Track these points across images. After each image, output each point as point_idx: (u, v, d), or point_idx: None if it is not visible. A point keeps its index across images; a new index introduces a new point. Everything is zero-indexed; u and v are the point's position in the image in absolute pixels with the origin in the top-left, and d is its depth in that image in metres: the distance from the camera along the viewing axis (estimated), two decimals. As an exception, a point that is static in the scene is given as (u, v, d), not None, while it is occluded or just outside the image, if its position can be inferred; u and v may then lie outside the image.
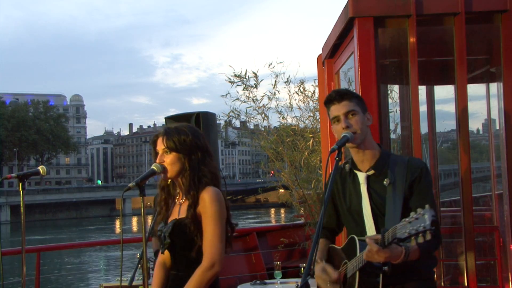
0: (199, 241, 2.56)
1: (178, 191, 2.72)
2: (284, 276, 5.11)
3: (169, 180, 2.69)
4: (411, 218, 2.05)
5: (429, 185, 2.49)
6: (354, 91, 3.07)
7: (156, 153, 2.64)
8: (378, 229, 2.47)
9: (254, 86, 8.30)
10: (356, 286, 2.37)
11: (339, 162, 2.41)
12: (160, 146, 2.62)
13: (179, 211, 2.65)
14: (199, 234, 2.56)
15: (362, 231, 2.52)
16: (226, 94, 8.39)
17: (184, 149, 2.60)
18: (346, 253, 2.51)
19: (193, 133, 2.65)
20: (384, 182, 2.47)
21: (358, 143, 2.50)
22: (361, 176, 2.55)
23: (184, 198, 2.65)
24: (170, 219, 2.67)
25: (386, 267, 2.30)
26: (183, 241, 2.59)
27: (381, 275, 2.34)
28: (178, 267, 2.65)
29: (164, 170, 2.59)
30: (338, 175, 2.63)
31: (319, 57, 4.89)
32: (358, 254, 2.37)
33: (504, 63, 3.69)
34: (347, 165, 2.61)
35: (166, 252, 2.69)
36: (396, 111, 5.04)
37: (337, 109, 2.52)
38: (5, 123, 71.89)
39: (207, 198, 2.55)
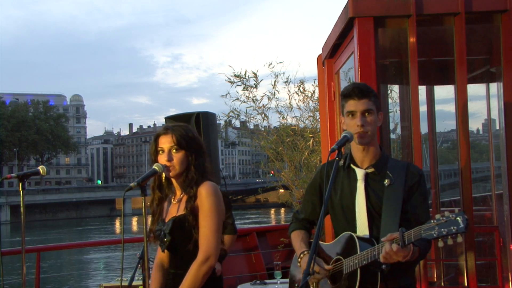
0: (196, 234, 2.56)
1: (173, 190, 2.71)
2: (284, 276, 5.09)
3: (171, 178, 2.67)
4: (439, 220, 2.11)
5: (426, 192, 2.54)
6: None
7: (157, 150, 2.61)
8: (372, 229, 2.48)
9: (254, 86, 8.31)
10: (358, 282, 2.39)
11: (339, 162, 2.42)
12: (167, 143, 2.58)
13: (178, 209, 2.64)
14: (196, 226, 2.56)
15: (352, 228, 2.52)
16: (226, 94, 8.38)
17: (192, 147, 2.60)
18: (340, 250, 2.51)
19: (194, 132, 2.69)
20: (385, 182, 2.48)
21: (366, 143, 2.50)
22: (360, 173, 2.54)
23: (183, 194, 2.64)
24: (168, 218, 2.66)
25: (384, 266, 2.32)
26: (182, 236, 2.58)
27: (379, 273, 2.37)
28: (177, 264, 2.64)
29: (166, 169, 2.57)
30: (330, 169, 2.59)
31: (319, 57, 4.89)
32: (358, 252, 2.39)
33: (504, 63, 3.69)
34: (341, 160, 2.58)
35: (165, 252, 2.68)
36: (396, 111, 5.05)
37: (355, 105, 2.49)
38: (5, 123, 71.85)
39: (204, 192, 2.55)
